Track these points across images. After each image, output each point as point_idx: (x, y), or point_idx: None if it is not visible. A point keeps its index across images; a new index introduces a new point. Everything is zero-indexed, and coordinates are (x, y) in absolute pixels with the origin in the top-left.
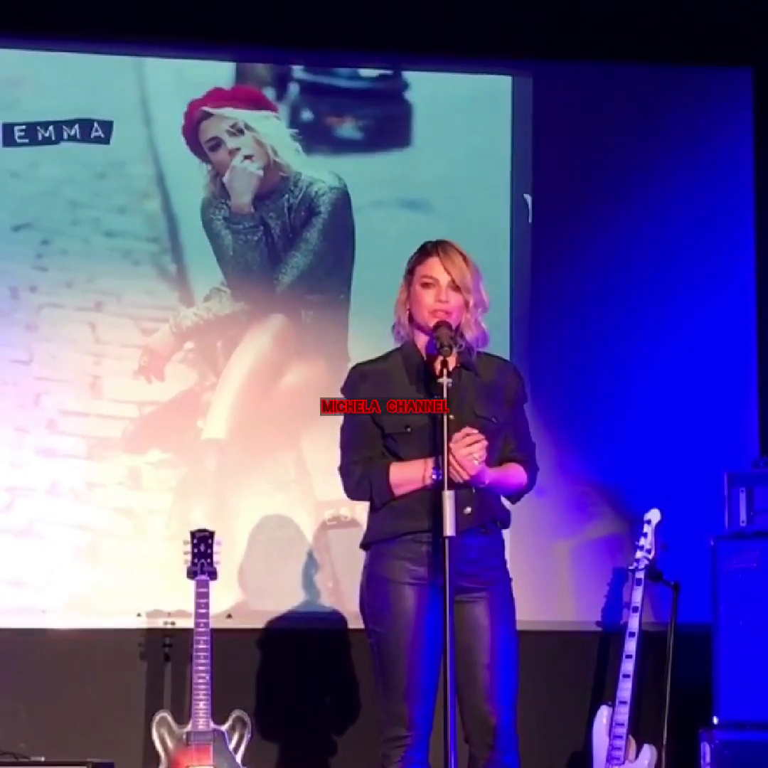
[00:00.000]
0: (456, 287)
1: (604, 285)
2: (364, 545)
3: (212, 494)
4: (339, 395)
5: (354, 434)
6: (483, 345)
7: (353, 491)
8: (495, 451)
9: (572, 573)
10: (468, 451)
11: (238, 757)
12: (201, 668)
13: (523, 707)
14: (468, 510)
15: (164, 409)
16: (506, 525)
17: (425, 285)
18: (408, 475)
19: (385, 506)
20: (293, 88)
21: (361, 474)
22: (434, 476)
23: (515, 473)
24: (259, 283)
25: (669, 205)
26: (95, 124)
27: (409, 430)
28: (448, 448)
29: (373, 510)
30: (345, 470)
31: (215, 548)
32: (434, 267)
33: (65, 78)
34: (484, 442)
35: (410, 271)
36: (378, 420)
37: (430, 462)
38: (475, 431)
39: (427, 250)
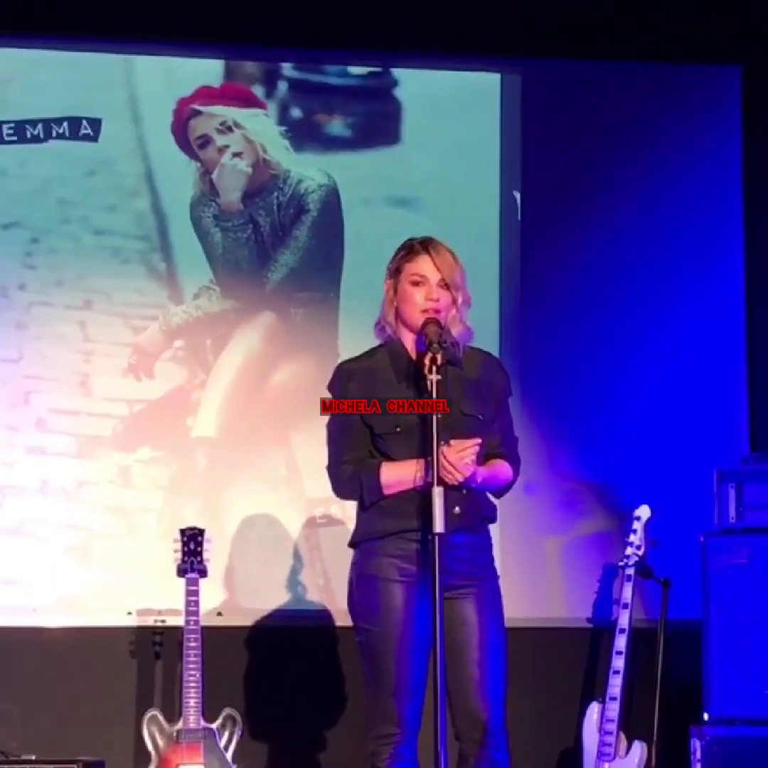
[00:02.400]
0: (445, 285)
1: (593, 282)
2: (352, 544)
3: (203, 492)
4: (329, 393)
5: (342, 434)
6: (468, 341)
7: (342, 491)
8: (482, 447)
9: (562, 569)
10: (460, 455)
11: (229, 755)
12: (191, 666)
13: (514, 703)
14: (457, 510)
15: (154, 407)
16: (493, 520)
17: (415, 283)
18: (399, 475)
19: (373, 505)
20: (282, 86)
21: (350, 474)
22: (426, 478)
23: (502, 470)
24: (249, 280)
25: (658, 202)
26: (84, 122)
27: (398, 430)
28: (442, 452)
29: (361, 509)
30: (333, 470)
31: (205, 546)
32: (424, 265)
33: (54, 76)
34: (477, 446)
35: (397, 270)
36: (368, 420)
37: (422, 462)
38: (472, 441)
39: (416, 247)
